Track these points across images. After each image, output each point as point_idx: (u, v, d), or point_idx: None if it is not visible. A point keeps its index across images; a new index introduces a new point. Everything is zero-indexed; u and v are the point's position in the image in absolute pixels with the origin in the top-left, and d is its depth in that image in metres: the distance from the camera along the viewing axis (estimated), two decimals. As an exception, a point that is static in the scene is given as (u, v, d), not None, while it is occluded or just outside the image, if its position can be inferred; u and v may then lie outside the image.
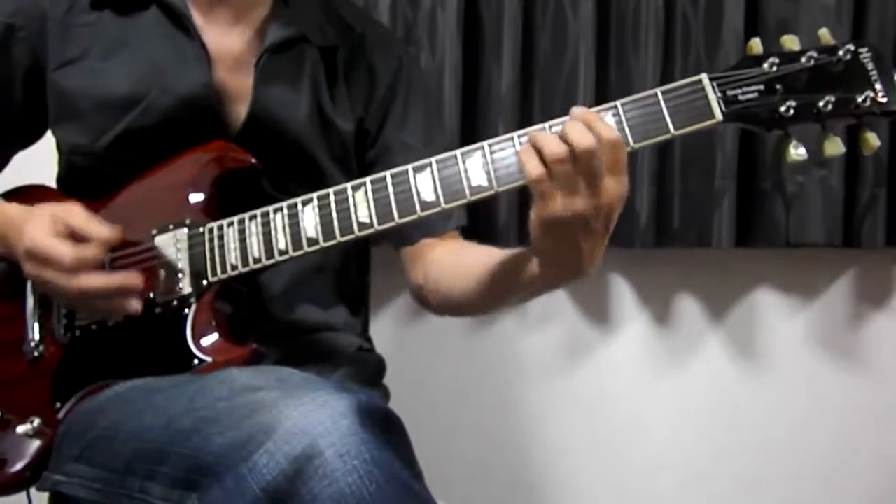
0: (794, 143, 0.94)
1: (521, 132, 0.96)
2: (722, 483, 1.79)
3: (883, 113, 0.91)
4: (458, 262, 1.15)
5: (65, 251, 1.01)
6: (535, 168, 0.89)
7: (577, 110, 0.91)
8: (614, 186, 0.89)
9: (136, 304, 1.03)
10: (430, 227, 1.19)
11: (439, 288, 1.18)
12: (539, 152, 0.89)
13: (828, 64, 0.93)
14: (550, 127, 0.94)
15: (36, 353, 1.11)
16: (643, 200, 1.64)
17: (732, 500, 1.79)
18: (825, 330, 1.78)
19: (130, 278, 1.03)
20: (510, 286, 1.05)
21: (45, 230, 1.02)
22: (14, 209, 1.10)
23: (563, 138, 0.88)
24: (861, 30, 1.63)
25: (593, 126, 0.88)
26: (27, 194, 1.19)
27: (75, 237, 1.02)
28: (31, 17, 1.16)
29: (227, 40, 1.16)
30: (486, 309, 1.18)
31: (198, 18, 1.16)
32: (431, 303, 1.21)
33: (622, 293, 1.78)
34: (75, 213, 1.04)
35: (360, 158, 1.23)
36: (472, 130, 1.65)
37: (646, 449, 1.80)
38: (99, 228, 1.03)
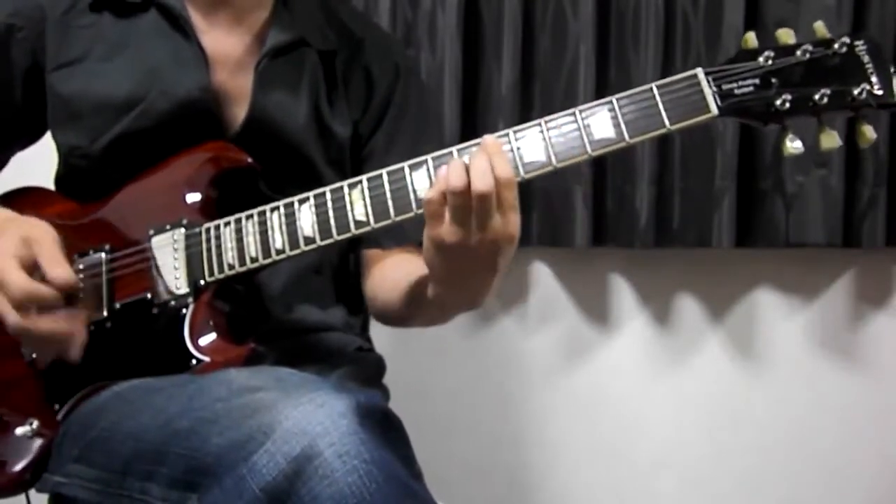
0: (790, 136, 0.94)
1: (515, 128, 0.95)
2: (722, 483, 1.79)
3: (880, 105, 0.91)
4: (393, 272, 1.18)
5: (17, 282, 0.97)
6: (433, 192, 0.91)
7: (486, 140, 0.92)
8: (501, 225, 0.90)
9: (75, 354, 1.02)
10: (402, 236, 1.19)
11: (368, 289, 1.22)
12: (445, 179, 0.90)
13: (823, 57, 0.92)
14: (460, 152, 0.95)
15: (35, 355, 1.11)
16: (643, 200, 1.64)
17: (732, 500, 1.79)
18: (825, 330, 1.78)
19: (77, 329, 1.02)
20: (415, 304, 1.10)
21: (10, 251, 0.99)
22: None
23: (466, 172, 0.89)
24: (861, 30, 1.62)
25: (492, 161, 0.89)
26: (26, 197, 1.19)
27: (36, 269, 1.00)
28: (30, 18, 1.16)
29: (227, 43, 1.16)
30: (398, 321, 1.21)
31: (197, 21, 1.15)
32: (370, 305, 1.24)
33: (622, 293, 1.78)
34: (46, 246, 1.00)
35: (355, 161, 1.23)
36: (472, 130, 1.65)
37: (646, 449, 1.80)
38: (59, 272, 0.99)
